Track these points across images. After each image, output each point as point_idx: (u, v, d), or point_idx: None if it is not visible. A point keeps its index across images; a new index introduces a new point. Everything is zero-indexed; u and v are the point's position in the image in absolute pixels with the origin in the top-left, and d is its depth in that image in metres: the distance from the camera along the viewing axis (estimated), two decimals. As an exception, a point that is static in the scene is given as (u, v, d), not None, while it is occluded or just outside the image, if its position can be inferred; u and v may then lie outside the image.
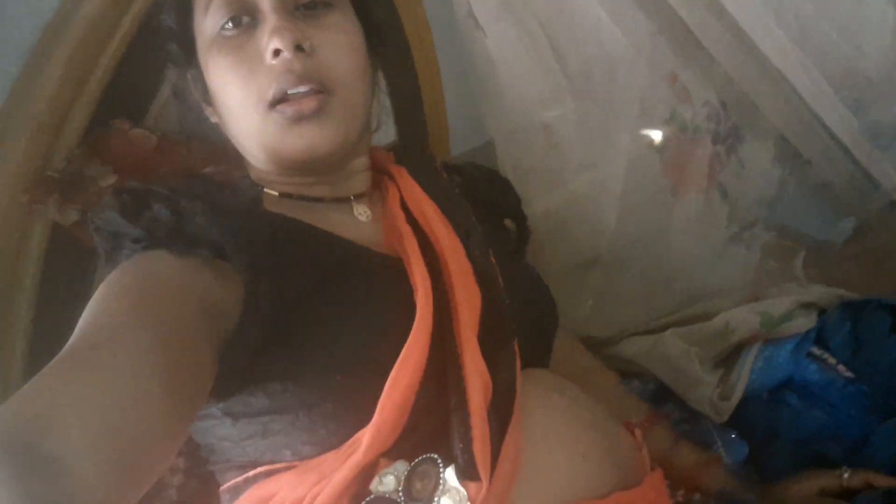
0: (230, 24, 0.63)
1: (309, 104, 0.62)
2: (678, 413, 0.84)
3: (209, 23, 0.64)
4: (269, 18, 0.62)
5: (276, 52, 0.61)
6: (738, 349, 0.83)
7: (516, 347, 0.60)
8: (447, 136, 1.21)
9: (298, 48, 0.62)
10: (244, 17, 0.63)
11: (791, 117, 0.80)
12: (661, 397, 0.85)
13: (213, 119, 0.71)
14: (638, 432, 0.64)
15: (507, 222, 0.86)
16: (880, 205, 0.87)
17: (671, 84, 0.81)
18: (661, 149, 0.85)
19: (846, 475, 0.68)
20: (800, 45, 0.68)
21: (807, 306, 0.82)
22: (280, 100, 0.62)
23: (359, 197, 0.73)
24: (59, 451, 0.38)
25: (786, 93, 0.75)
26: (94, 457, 0.40)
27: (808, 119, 0.77)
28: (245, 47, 0.63)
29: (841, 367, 0.77)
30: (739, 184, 0.88)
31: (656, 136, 0.86)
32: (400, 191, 0.72)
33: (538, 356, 0.69)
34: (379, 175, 0.77)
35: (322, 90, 0.63)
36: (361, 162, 0.74)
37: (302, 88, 0.62)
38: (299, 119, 0.62)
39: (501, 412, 0.54)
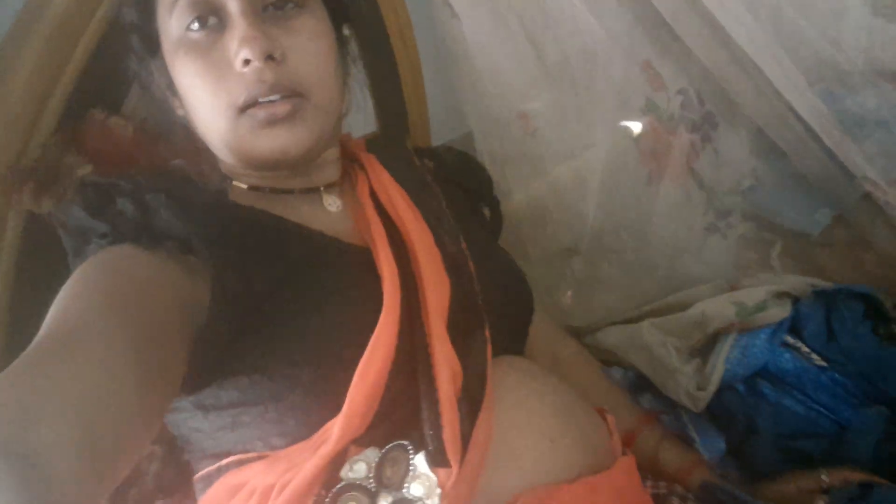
0: (196, 25, 0.62)
1: (282, 108, 0.62)
2: (656, 404, 0.84)
3: (175, 23, 0.63)
4: (238, 23, 0.61)
5: (247, 62, 0.60)
6: (714, 339, 0.83)
7: (487, 334, 0.60)
8: (428, 128, 1.21)
9: (269, 58, 0.61)
10: (211, 18, 0.62)
11: (765, 107, 0.81)
12: (640, 387, 0.86)
13: (179, 111, 0.71)
14: (610, 417, 0.64)
15: (485, 210, 0.86)
16: (855, 196, 0.88)
17: (646, 72, 0.82)
18: (637, 137, 0.85)
19: (824, 476, 0.69)
20: (774, 36, 0.68)
21: (780, 296, 0.82)
22: (251, 105, 0.62)
23: (329, 187, 0.72)
24: (34, 445, 0.39)
25: (760, 83, 0.76)
26: (69, 450, 0.40)
27: (782, 109, 0.78)
28: (212, 50, 0.62)
29: (814, 357, 0.78)
30: (715, 172, 0.89)
31: (633, 124, 0.86)
32: (369, 179, 0.72)
33: (512, 343, 0.70)
34: (350, 164, 0.77)
35: (294, 94, 0.63)
36: (331, 152, 0.74)
37: (273, 97, 0.61)
38: (272, 122, 0.62)
39: (472, 399, 0.55)
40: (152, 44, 0.67)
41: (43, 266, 0.78)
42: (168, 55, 0.66)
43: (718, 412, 0.80)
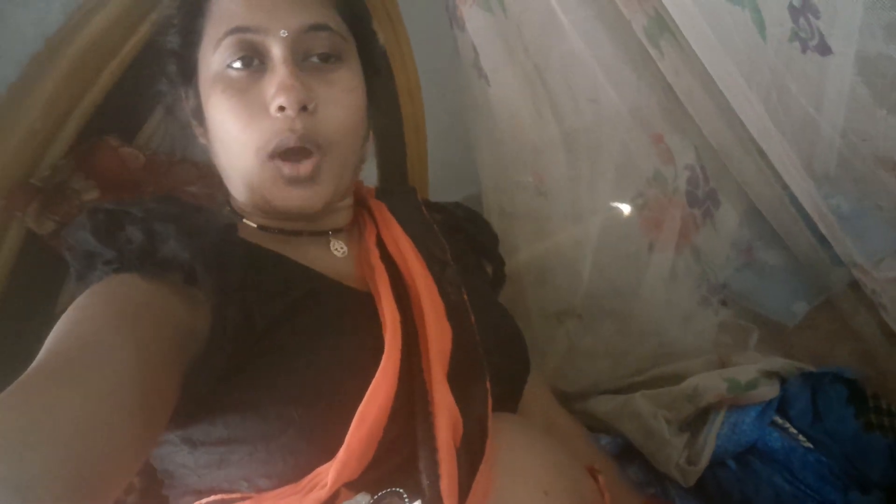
0: (238, 64, 0.64)
1: (305, 169, 0.64)
2: (643, 475, 0.84)
3: (217, 58, 0.65)
4: (279, 70, 0.63)
5: (281, 108, 0.62)
6: (705, 414, 0.83)
7: (488, 386, 0.60)
8: (427, 186, 1.24)
9: (303, 108, 0.63)
10: (254, 60, 0.64)
11: (765, 189, 0.84)
12: (628, 457, 0.85)
13: (202, 140, 0.72)
14: (601, 477, 0.64)
15: (488, 268, 0.87)
16: (842, 284, 0.90)
17: (657, 145, 0.85)
18: (642, 206, 0.88)
19: None
20: (782, 120, 0.71)
21: (770, 375, 0.83)
22: (278, 155, 0.63)
23: (336, 232, 0.73)
24: (24, 475, 0.38)
25: (762, 165, 0.79)
26: (58, 482, 0.39)
27: (779, 192, 0.81)
28: (250, 91, 0.64)
29: (801, 437, 0.78)
30: (712, 248, 0.91)
31: (639, 193, 0.89)
32: (377, 226, 0.73)
33: (507, 400, 0.69)
34: (359, 210, 0.78)
35: (318, 150, 0.64)
36: (345, 200, 0.76)
37: (297, 148, 0.63)
38: (294, 181, 0.64)
39: (472, 450, 0.54)
40: (189, 71, 0.69)
41: (36, 285, 0.77)
42: (203, 86, 0.67)
43: (711, 489, 0.79)
